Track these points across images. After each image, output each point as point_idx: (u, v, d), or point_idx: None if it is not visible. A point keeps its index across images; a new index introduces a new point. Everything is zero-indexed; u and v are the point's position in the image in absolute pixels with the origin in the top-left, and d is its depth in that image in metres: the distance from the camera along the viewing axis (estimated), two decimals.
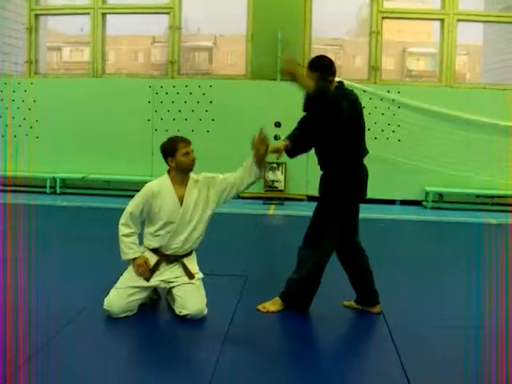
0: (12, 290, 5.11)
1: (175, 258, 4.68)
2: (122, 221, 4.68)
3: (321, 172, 4.78)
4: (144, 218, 4.73)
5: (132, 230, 4.66)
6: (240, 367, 3.78)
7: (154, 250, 4.68)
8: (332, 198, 4.60)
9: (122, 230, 4.66)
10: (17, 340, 4.02)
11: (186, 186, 4.70)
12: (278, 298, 4.80)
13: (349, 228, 4.73)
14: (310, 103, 4.27)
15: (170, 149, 4.68)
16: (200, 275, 4.73)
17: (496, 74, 13.09)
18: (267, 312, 4.70)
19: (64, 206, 10.27)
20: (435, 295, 5.46)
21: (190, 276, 4.64)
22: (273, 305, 4.77)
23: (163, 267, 4.67)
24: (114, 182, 11.20)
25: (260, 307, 4.76)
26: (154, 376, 3.58)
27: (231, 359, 3.86)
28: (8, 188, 11.39)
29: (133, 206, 4.68)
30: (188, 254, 4.75)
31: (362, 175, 4.68)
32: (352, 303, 4.95)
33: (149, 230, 4.70)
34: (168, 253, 4.67)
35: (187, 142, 4.73)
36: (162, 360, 3.82)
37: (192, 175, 4.77)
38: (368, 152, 4.71)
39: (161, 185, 4.70)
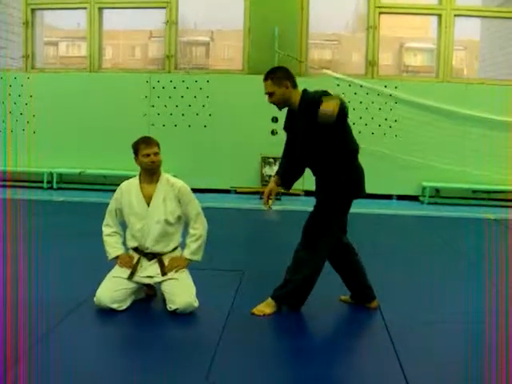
0: (11, 283, 5.12)
1: (154, 256, 4.73)
2: (104, 222, 4.87)
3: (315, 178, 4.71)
4: (122, 219, 4.84)
5: (113, 230, 4.85)
6: (236, 362, 3.78)
7: (135, 249, 4.78)
8: (332, 198, 4.52)
9: (104, 230, 4.86)
10: (17, 331, 4.04)
11: (155, 184, 4.72)
12: (271, 300, 4.67)
13: (340, 228, 4.71)
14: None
15: (134, 149, 4.73)
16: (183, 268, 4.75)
17: (493, 69, 13.10)
18: (264, 315, 4.58)
19: (61, 201, 10.27)
20: (433, 290, 5.46)
21: (163, 273, 4.67)
22: (267, 307, 4.65)
23: (145, 264, 4.73)
24: (111, 176, 11.19)
25: (255, 311, 4.63)
26: (152, 369, 3.58)
27: (228, 354, 3.86)
28: (4, 183, 11.38)
29: (109, 205, 4.87)
30: (169, 252, 4.78)
31: (357, 172, 4.64)
32: (348, 298, 4.94)
33: (128, 231, 4.82)
34: (146, 251, 4.73)
35: (149, 144, 4.67)
36: (159, 354, 3.82)
37: (168, 177, 4.79)
38: (359, 147, 4.67)
39: (130, 184, 4.80)
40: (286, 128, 4.83)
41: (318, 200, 4.64)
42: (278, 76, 4.54)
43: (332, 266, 4.86)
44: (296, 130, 4.64)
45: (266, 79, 4.56)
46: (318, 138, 4.43)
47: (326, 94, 4.27)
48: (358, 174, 4.60)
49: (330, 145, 4.45)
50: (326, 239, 4.59)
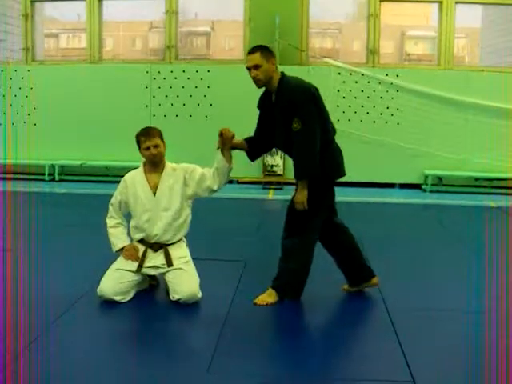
0: (12, 276, 5.12)
1: (160, 246, 4.72)
2: (107, 214, 4.86)
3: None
4: (126, 211, 4.83)
5: (118, 221, 4.83)
6: (239, 352, 3.79)
7: (140, 241, 4.77)
8: (313, 182, 4.46)
9: (109, 222, 4.84)
10: (17, 326, 4.03)
11: (160, 174, 4.72)
12: (272, 290, 4.67)
13: (328, 209, 4.70)
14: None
15: (136, 141, 4.72)
16: (187, 259, 4.75)
17: (495, 56, 13.04)
18: (267, 305, 4.58)
19: (63, 193, 10.27)
20: (435, 278, 5.46)
21: (169, 264, 4.66)
22: (269, 297, 4.65)
23: (151, 255, 4.72)
24: (113, 168, 11.20)
25: (258, 301, 4.62)
26: (153, 361, 3.59)
27: (230, 344, 3.87)
28: (6, 175, 11.38)
29: (113, 197, 4.84)
30: (174, 243, 4.77)
31: (335, 154, 4.62)
32: (349, 287, 4.93)
33: (132, 223, 4.81)
34: (152, 241, 4.73)
35: (149, 136, 4.65)
36: (161, 345, 3.83)
37: (169, 164, 4.79)
38: (335, 130, 4.66)
39: (135, 175, 4.79)
40: (259, 106, 4.84)
41: (297, 185, 4.59)
42: (267, 52, 4.52)
43: (326, 249, 4.85)
44: (271, 114, 4.66)
45: (253, 52, 4.51)
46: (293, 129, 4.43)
47: (301, 106, 4.36)
48: (335, 157, 4.59)
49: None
50: (312, 224, 4.57)
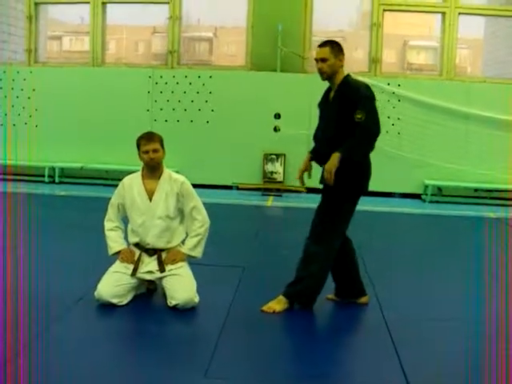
0: (11, 277, 5.11)
1: (154, 252, 4.72)
2: (106, 217, 4.87)
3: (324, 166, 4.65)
4: (124, 213, 4.84)
5: (115, 224, 4.84)
6: (237, 357, 3.78)
7: (136, 245, 4.78)
8: (343, 191, 4.50)
9: (106, 225, 4.86)
10: (16, 326, 4.04)
11: (157, 180, 4.73)
12: (282, 297, 4.62)
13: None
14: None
15: (136, 144, 4.73)
16: (182, 264, 4.71)
17: (497, 67, 13.07)
18: (273, 312, 4.53)
19: (62, 196, 10.27)
20: (433, 288, 5.46)
21: (162, 270, 4.66)
22: (278, 304, 4.60)
23: (146, 259, 4.72)
24: (113, 171, 11.19)
25: (265, 308, 4.57)
26: (150, 365, 3.58)
27: (227, 351, 3.86)
28: (6, 177, 11.39)
29: (111, 199, 4.87)
30: (170, 249, 4.77)
31: (370, 167, 4.67)
32: (334, 296, 4.89)
33: (129, 226, 4.83)
34: (147, 247, 4.73)
35: (149, 140, 4.66)
36: (158, 350, 3.82)
37: (170, 173, 4.79)
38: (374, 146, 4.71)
39: (133, 178, 4.80)
40: (318, 105, 4.88)
41: (327, 192, 4.59)
42: (337, 48, 4.60)
43: None
44: (326, 109, 4.71)
45: (323, 45, 4.60)
46: (344, 126, 4.48)
47: (365, 100, 4.57)
48: (370, 169, 4.63)
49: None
50: (336, 233, 4.57)
